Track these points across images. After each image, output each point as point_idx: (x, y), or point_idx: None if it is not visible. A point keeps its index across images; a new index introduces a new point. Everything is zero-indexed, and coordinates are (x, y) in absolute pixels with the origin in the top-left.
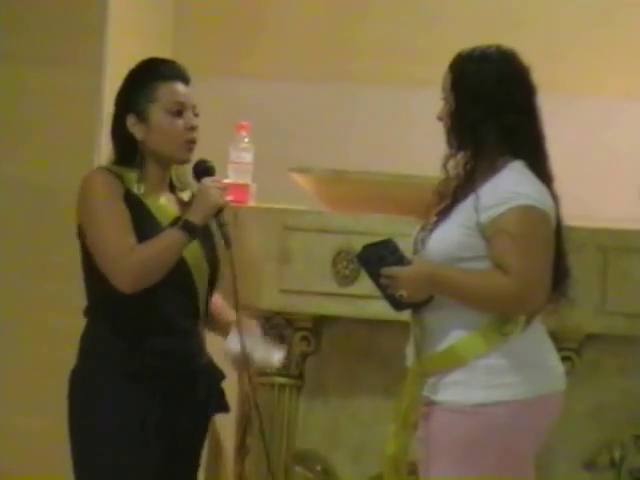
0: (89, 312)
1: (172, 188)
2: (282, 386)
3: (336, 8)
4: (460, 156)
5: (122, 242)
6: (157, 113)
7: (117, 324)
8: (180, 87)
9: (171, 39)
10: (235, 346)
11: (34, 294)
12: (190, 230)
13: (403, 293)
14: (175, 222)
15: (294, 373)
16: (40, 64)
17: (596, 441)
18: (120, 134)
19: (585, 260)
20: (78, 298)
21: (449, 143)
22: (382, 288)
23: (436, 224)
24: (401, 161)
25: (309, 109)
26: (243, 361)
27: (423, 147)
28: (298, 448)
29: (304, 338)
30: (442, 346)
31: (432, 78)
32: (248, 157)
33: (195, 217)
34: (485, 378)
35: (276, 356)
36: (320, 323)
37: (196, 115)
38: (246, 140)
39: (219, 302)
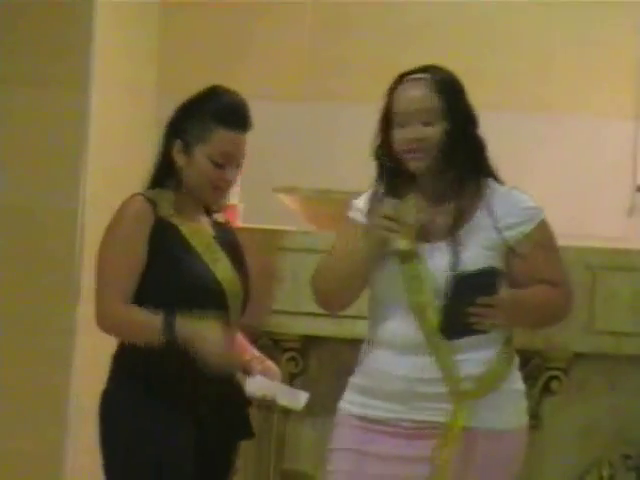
0: None
1: (206, 209)
2: (270, 407)
3: (320, 28)
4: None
5: (119, 289)
6: (201, 155)
7: (154, 348)
8: (235, 138)
9: (156, 62)
10: (258, 390)
11: (25, 315)
12: (169, 333)
13: (497, 321)
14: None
15: None
16: (26, 85)
17: (585, 460)
18: (164, 153)
19: (573, 279)
20: (67, 319)
21: (438, 165)
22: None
23: (451, 247)
24: None
25: (296, 128)
26: (267, 405)
27: None
28: (286, 468)
29: (292, 359)
30: (479, 369)
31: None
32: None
33: (182, 334)
34: (515, 403)
35: (302, 400)
36: (308, 344)
37: (238, 166)
38: None
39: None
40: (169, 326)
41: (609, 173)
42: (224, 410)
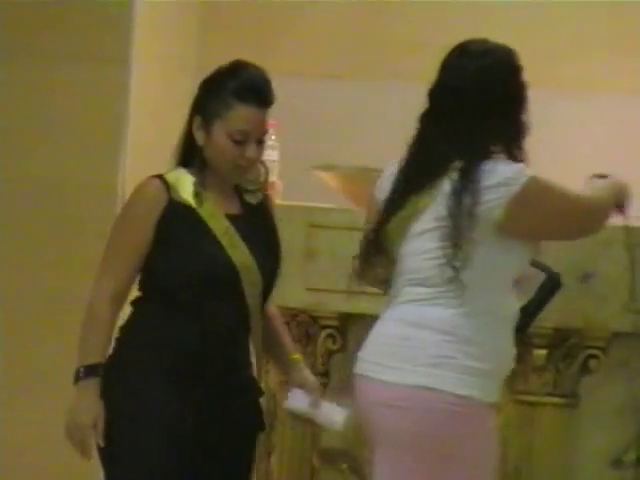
0: (135, 303)
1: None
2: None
3: (363, 4)
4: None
5: (114, 276)
6: (219, 131)
7: (158, 319)
8: (254, 114)
9: (196, 37)
10: (297, 405)
11: (61, 292)
12: (75, 377)
13: None
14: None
15: (320, 371)
16: (66, 60)
17: (623, 439)
18: (186, 131)
19: (612, 257)
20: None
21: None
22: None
23: None
24: None
25: (335, 106)
26: (305, 422)
27: None
28: (324, 446)
29: (330, 336)
30: None
31: None
32: (274, 155)
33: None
34: None
35: (341, 419)
36: (346, 321)
37: (261, 142)
38: (273, 138)
39: (278, 324)
40: (76, 375)
41: (632, 151)
42: (232, 399)
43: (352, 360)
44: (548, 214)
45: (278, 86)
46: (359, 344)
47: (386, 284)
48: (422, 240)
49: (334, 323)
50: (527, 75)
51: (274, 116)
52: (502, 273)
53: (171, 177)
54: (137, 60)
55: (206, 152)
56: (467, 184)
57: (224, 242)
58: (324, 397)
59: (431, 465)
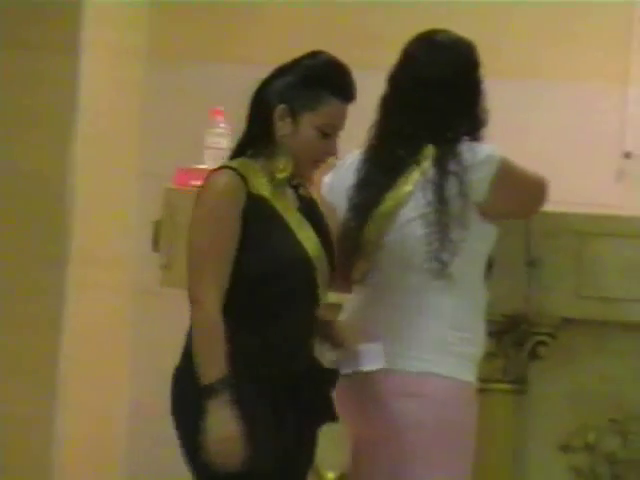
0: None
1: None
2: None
3: None
4: None
5: (216, 280)
6: (309, 124)
7: (247, 324)
8: (344, 110)
9: (147, 25)
10: (372, 364)
11: (14, 279)
12: (206, 393)
13: None
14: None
15: None
16: (15, 48)
17: (572, 425)
18: (261, 117)
19: (561, 245)
20: (56, 283)
21: None
22: None
23: None
24: None
25: None
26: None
27: None
28: None
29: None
30: None
31: None
32: (223, 142)
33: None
34: None
35: (380, 357)
36: None
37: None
38: (222, 125)
39: None
40: (211, 390)
41: (597, 139)
42: (303, 393)
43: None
44: (519, 191)
45: (230, 73)
46: None
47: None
48: (411, 227)
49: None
50: (505, 65)
51: (226, 103)
52: (482, 258)
53: (242, 168)
54: (87, 48)
55: (289, 142)
56: (450, 166)
57: (300, 235)
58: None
59: (444, 450)
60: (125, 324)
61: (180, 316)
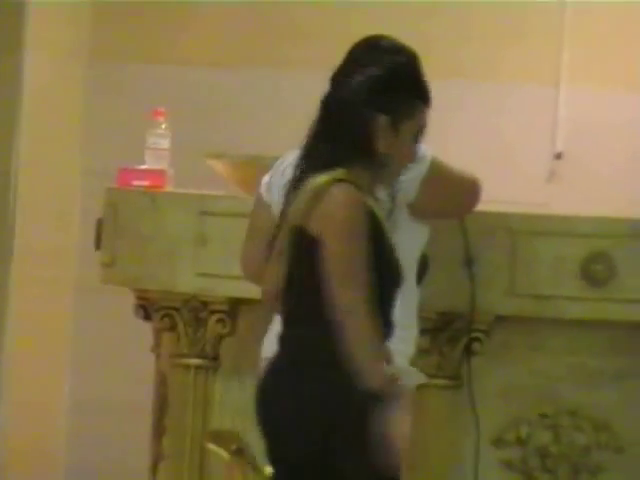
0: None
1: None
2: (198, 367)
3: None
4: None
5: (369, 299)
6: (408, 132)
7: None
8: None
9: (89, 25)
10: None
11: None
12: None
13: None
14: None
15: (209, 354)
16: None
17: (504, 419)
18: (360, 130)
19: (495, 243)
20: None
21: None
22: None
23: None
24: None
25: (228, 95)
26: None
27: None
28: (214, 428)
29: (219, 320)
30: None
31: None
32: (164, 143)
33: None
34: None
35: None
36: (236, 306)
37: None
38: (163, 126)
39: None
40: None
41: (529, 140)
42: None
43: (248, 345)
44: (450, 191)
45: (171, 75)
46: (248, 328)
47: None
48: None
49: (224, 308)
50: (432, 65)
51: (167, 103)
52: (413, 257)
53: (355, 182)
54: (30, 47)
55: (390, 152)
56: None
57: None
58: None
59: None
60: (67, 319)
61: (120, 312)
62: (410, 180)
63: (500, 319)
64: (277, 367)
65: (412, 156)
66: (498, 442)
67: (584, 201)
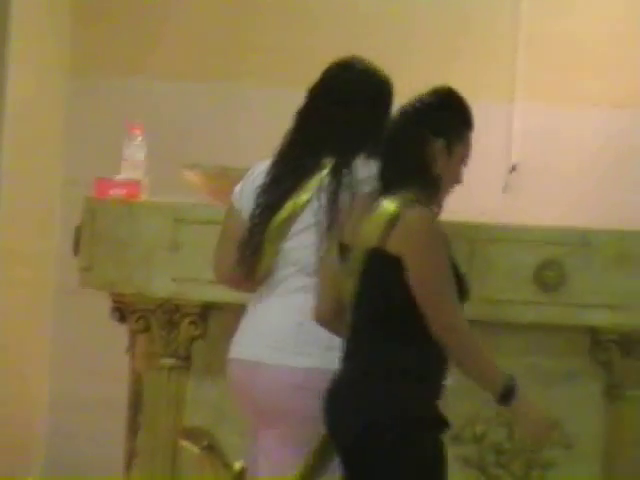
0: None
1: None
2: (171, 367)
3: (228, 11)
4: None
5: (460, 313)
6: (459, 156)
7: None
8: None
9: (70, 37)
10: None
11: None
12: (508, 394)
13: None
14: None
15: (182, 355)
16: None
17: (462, 416)
18: (418, 152)
19: (454, 251)
20: None
21: None
22: None
23: None
24: None
25: (201, 107)
26: None
27: None
28: (186, 425)
29: (192, 323)
30: None
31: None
32: (140, 155)
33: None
34: None
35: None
36: (208, 309)
37: None
38: (139, 139)
39: None
40: (509, 389)
41: (486, 153)
42: None
43: (219, 346)
44: None
45: (148, 88)
46: (220, 330)
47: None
48: (305, 235)
49: (196, 311)
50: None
51: (143, 116)
52: None
53: (422, 203)
54: (13, 60)
55: (444, 175)
56: (345, 178)
57: None
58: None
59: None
60: (47, 321)
61: (97, 314)
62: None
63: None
64: (350, 378)
65: (460, 178)
66: (455, 439)
67: (537, 210)
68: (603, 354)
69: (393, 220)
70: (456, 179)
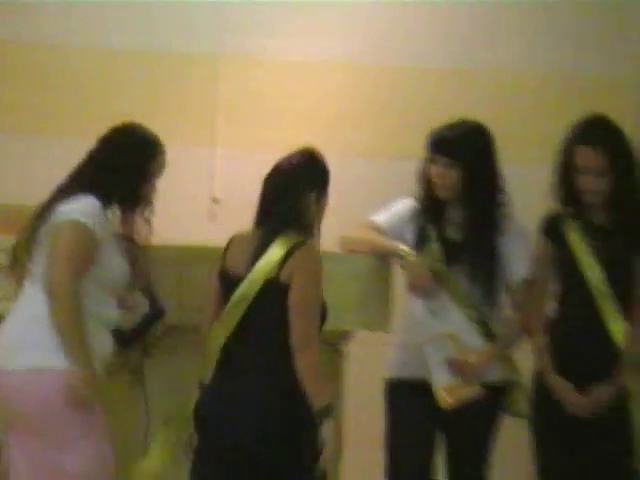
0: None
1: None
2: None
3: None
4: None
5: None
6: (323, 203)
7: None
8: None
9: None
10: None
11: None
12: None
13: None
14: None
15: None
16: None
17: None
18: (299, 205)
19: (166, 272)
20: None
21: None
22: None
23: None
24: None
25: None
26: None
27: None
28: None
29: None
30: None
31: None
32: None
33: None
34: None
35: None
36: None
37: None
38: None
39: None
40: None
41: (192, 188)
42: None
43: None
44: None
45: None
46: None
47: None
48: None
49: None
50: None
51: None
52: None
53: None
54: None
55: (315, 220)
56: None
57: None
58: None
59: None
60: None
61: None
62: None
63: (172, 327)
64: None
65: (320, 222)
66: (168, 421)
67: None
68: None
69: (287, 256)
70: (320, 223)
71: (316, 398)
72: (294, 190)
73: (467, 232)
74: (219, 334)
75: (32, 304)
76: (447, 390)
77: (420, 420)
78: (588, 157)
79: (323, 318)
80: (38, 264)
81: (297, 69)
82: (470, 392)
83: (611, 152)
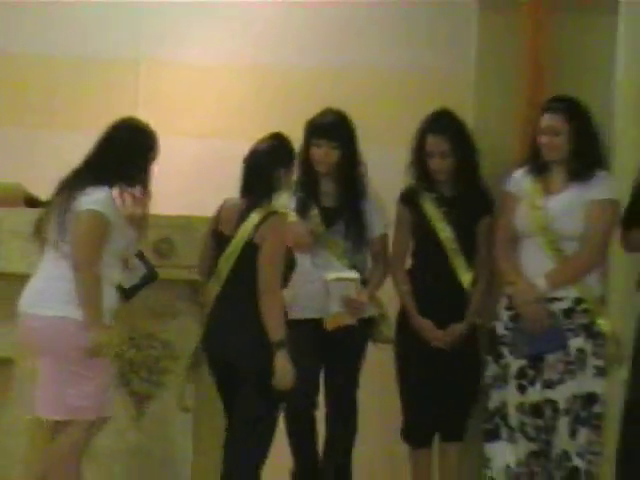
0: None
1: None
2: None
3: None
4: None
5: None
6: (290, 180)
7: None
8: None
9: None
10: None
11: None
12: None
13: None
14: None
15: None
16: None
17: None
18: (271, 180)
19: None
20: None
21: None
22: None
23: None
24: None
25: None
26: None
27: None
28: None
29: None
30: None
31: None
32: None
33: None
34: None
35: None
36: None
37: None
38: None
39: None
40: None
41: None
42: None
43: None
44: None
45: None
46: None
47: None
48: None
49: None
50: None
51: None
52: None
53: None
54: None
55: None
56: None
57: None
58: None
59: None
60: None
61: None
62: None
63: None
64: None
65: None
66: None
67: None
68: (200, 297)
69: (260, 222)
70: (289, 191)
71: (272, 332)
72: (267, 168)
73: (340, 200)
74: (214, 285)
75: (56, 267)
76: (334, 316)
77: (310, 352)
78: (436, 143)
79: (291, 269)
80: (64, 241)
81: (200, 72)
82: (348, 320)
83: (454, 139)
